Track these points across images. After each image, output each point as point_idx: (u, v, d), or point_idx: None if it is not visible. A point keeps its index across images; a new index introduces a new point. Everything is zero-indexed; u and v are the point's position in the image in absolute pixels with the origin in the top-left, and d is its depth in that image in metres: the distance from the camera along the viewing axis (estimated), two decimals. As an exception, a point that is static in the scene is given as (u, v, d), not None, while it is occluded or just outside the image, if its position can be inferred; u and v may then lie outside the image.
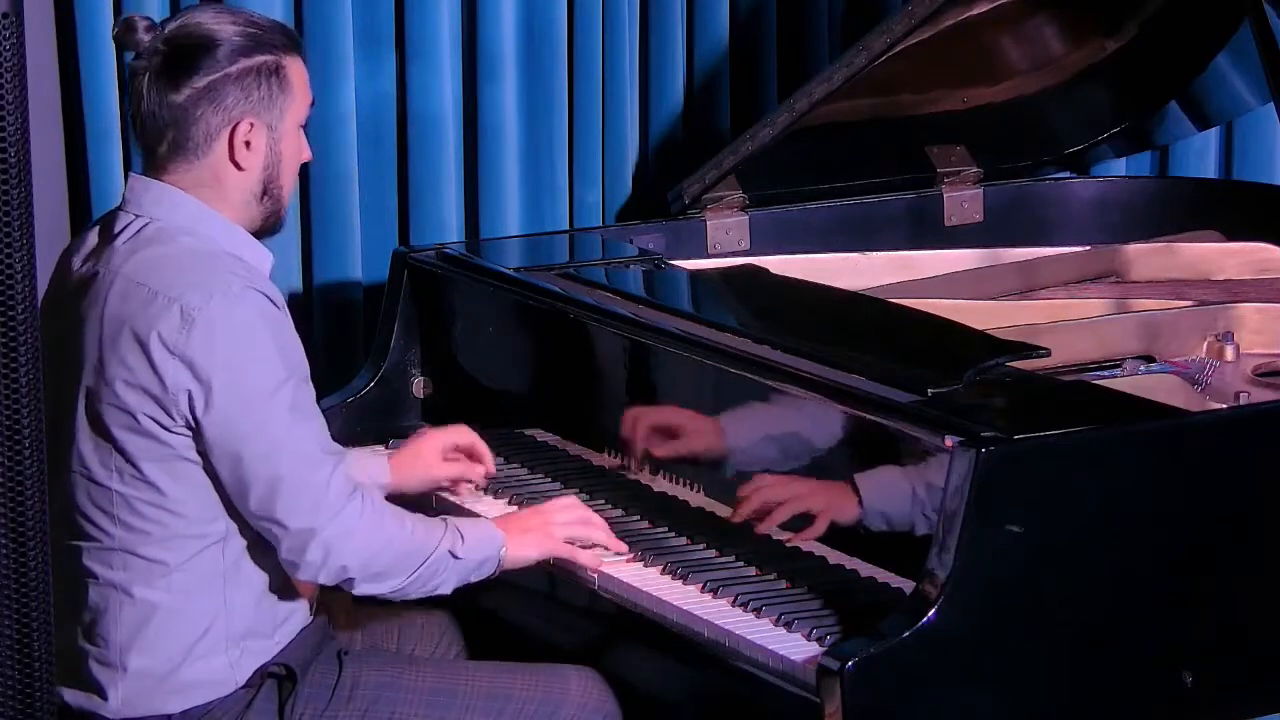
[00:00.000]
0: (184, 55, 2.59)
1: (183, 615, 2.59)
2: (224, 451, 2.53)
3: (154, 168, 2.64)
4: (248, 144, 2.61)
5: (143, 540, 2.57)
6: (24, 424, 2.08)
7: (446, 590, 2.68)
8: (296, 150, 2.68)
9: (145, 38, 2.59)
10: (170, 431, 2.54)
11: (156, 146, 2.62)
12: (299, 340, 2.62)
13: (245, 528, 2.59)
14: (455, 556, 2.66)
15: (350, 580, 2.60)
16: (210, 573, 2.59)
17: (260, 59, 2.61)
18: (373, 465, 2.94)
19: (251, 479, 2.53)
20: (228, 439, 2.53)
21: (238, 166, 2.62)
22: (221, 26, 2.61)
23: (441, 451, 3.01)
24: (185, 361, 2.51)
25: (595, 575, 2.78)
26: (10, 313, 2.06)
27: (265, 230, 2.69)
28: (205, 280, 2.54)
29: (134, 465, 2.55)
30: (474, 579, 2.70)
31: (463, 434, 3.02)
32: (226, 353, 2.51)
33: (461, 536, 2.67)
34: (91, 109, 3.60)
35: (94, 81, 3.60)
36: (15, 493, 2.09)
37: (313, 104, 2.70)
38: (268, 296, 2.57)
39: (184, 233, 2.60)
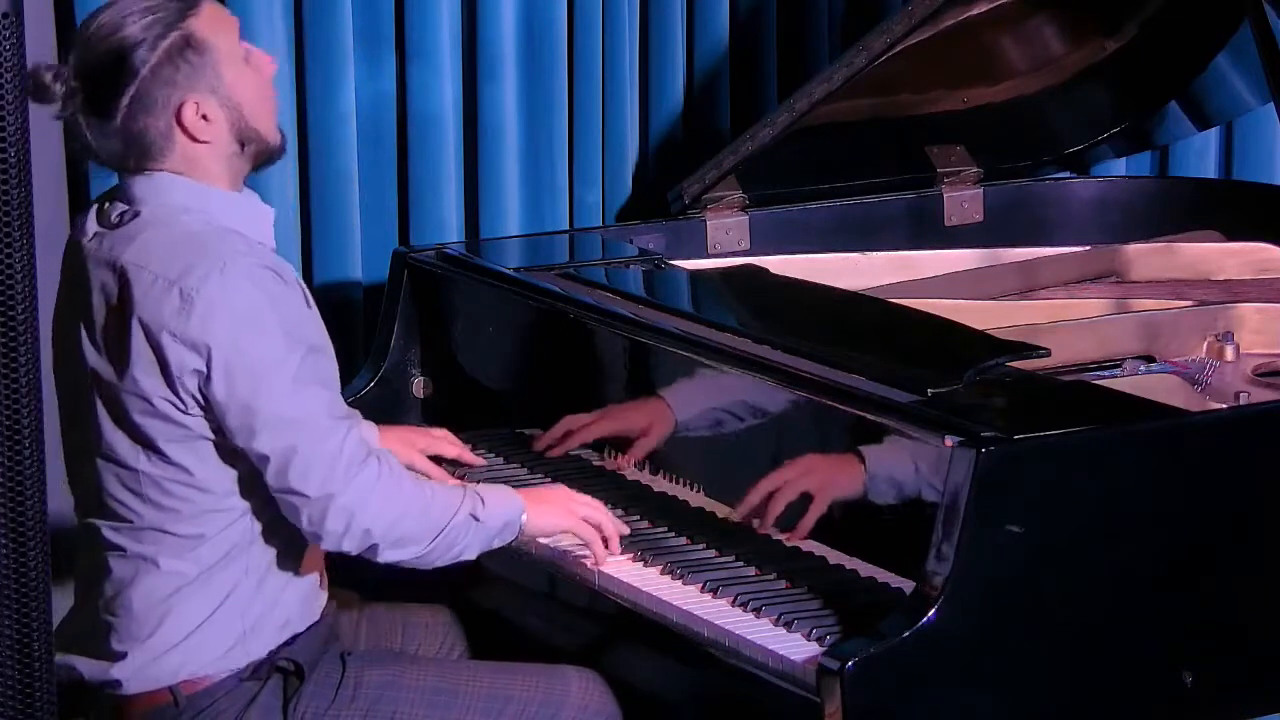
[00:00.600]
0: (100, 82, 2.55)
1: (206, 585, 2.60)
2: (237, 427, 2.54)
3: (135, 175, 2.62)
4: (204, 118, 2.59)
5: (173, 518, 2.59)
6: (24, 424, 2.09)
7: (470, 555, 2.68)
8: (253, 83, 2.63)
9: (58, 87, 2.55)
10: (186, 413, 2.55)
11: (125, 167, 2.62)
12: (311, 311, 2.61)
13: (264, 502, 2.60)
14: (476, 519, 2.66)
15: (374, 546, 2.59)
16: (237, 543, 2.61)
17: (167, 42, 2.56)
18: (364, 431, 2.95)
19: (265, 452, 2.54)
20: (237, 415, 2.53)
21: (205, 141, 2.60)
22: (123, 28, 2.55)
23: (426, 451, 3.06)
24: (187, 343, 2.52)
25: (595, 572, 2.78)
26: (10, 313, 2.06)
27: (267, 162, 2.67)
28: (202, 260, 2.54)
29: (157, 448, 2.57)
30: (496, 544, 2.70)
31: (447, 448, 3.08)
32: (225, 330, 2.52)
33: (482, 500, 2.67)
34: (91, 109, 3.60)
35: (94, 81, 3.59)
36: (15, 493, 2.09)
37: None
38: (271, 269, 2.57)
39: (182, 211, 2.60)
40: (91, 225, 2.66)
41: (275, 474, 2.55)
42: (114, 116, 2.57)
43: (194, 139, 2.59)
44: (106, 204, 2.67)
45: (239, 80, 2.62)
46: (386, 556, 2.61)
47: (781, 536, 2.78)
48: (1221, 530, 2.66)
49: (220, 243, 2.57)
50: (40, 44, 3.55)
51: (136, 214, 2.61)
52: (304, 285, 2.63)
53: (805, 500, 2.75)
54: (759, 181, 3.72)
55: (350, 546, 2.59)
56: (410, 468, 2.98)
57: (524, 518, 2.71)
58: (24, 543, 2.10)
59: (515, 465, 3.16)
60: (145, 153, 2.59)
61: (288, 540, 2.64)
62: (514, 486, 3.05)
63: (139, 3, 2.57)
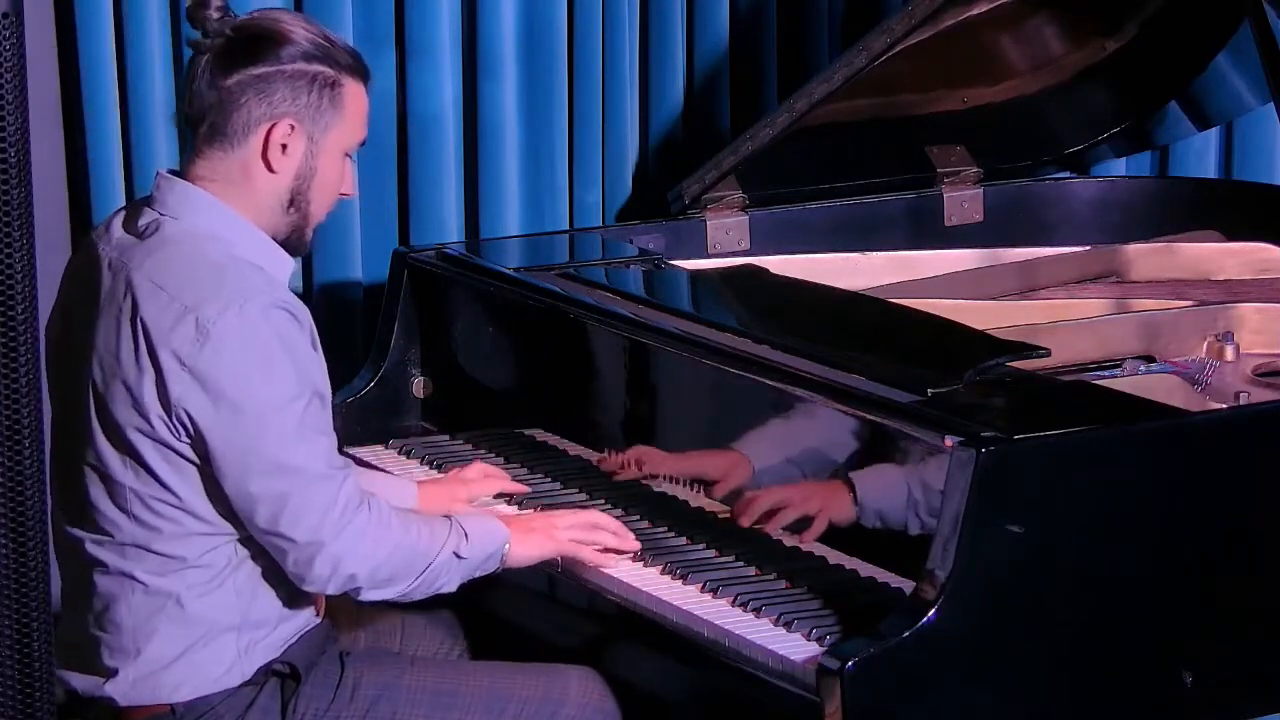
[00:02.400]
0: (246, 44, 2.58)
1: (194, 605, 2.59)
2: (233, 467, 2.52)
3: (191, 151, 2.63)
4: (284, 147, 2.59)
5: (156, 536, 2.57)
6: (24, 424, 2.08)
7: (451, 588, 2.68)
8: (335, 176, 2.65)
9: (214, 15, 2.58)
10: (177, 439, 2.53)
11: (198, 128, 2.61)
12: (317, 354, 2.60)
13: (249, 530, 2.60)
14: (460, 557, 2.66)
15: (358, 589, 2.60)
16: (223, 567, 2.60)
17: (319, 68, 2.60)
18: (401, 492, 2.92)
19: (258, 495, 2.53)
20: (234, 454, 2.52)
21: (269, 168, 2.60)
22: (294, 29, 2.60)
23: (471, 499, 2.98)
24: (195, 375, 2.50)
25: (599, 577, 2.78)
26: (10, 313, 2.06)
27: (288, 248, 2.66)
28: (223, 292, 2.52)
29: (147, 466, 2.55)
30: (478, 574, 2.70)
31: (492, 486, 3.01)
32: (235, 368, 2.50)
33: (465, 535, 2.67)
34: (91, 109, 3.60)
35: (94, 81, 3.60)
36: (15, 493, 2.09)
37: (364, 141, 2.68)
38: (288, 311, 2.55)
39: (207, 238, 2.58)
40: (116, 231, 2.64)
41: (266, 518, 2.54)
42: (231, 76, 2.57)
43: (264, 155, 2.59)
44: (136, 210, 2.65)
45: (330, 159, 2.63)
46: (369, 596, 2.62)
47: (782, 537, 2.78)
48: (1221, 530, 2.66)
49: (241, 277, 2.55)
50: (40, 44, 3.55)
51: (162, 227, 2.59)
52: (314, 328, 2.61)
53: (803, 522, 2.75)
54: (759, 181, 3.71)
55: (335, 589, 2.60)
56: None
57: (507, 548, 2.71)
58: (24, 543, 2.10)
59: (515, 465, 3.16)
60: (222, 128, 2.59)
61: (276, 567, 2.62)
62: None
63: (325, 30, 2.64)
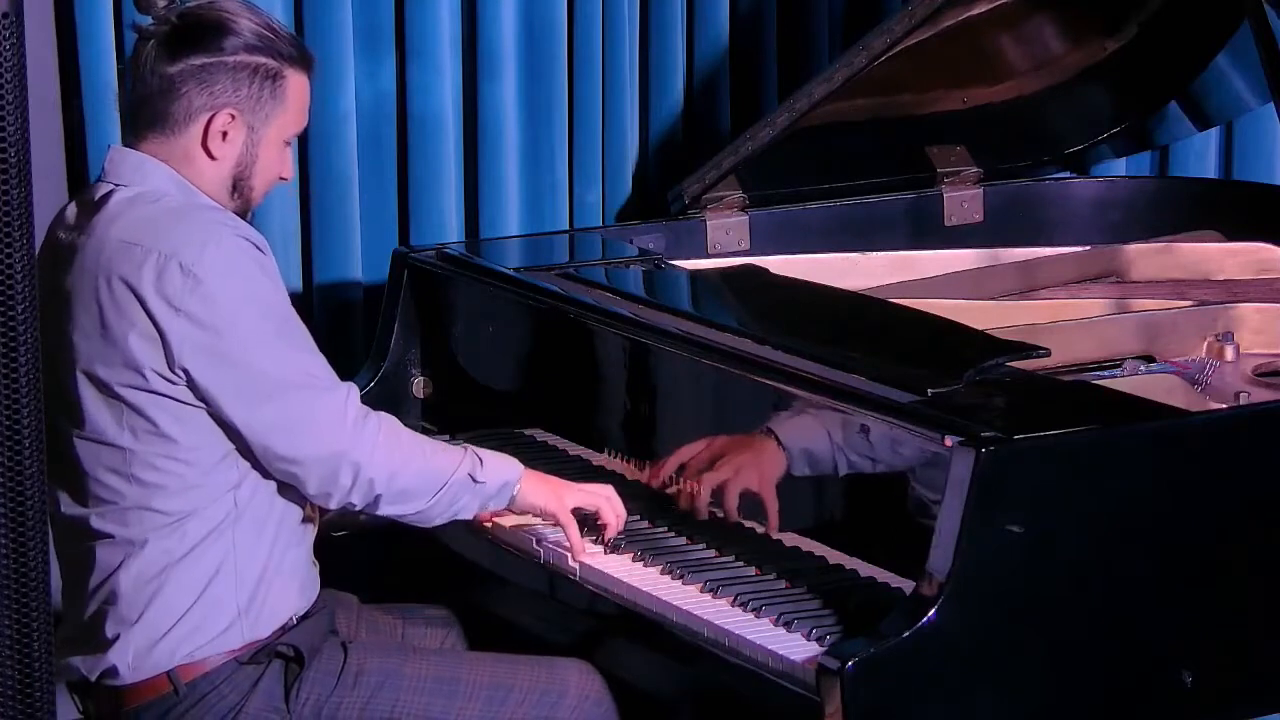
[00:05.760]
0: (191, 32, 2.62)
1: (194, 563, 2.62)
2: (238, 401, 2.56)
3: (131, 135, 2.67)
4: (224, 135, 2.64)
5: (158, 494, 2.60)
6: (24, 424, 2.09)
7: (468, 514, 2.74)
8: (275, 162, 2.71)
9: (161, 1, 2.62)
10: (174, 384, 2.57)
11: (139, 113, 2.66)
12: (283, 282, 2.67)
13: (247, 477, 2.63)
14: (475, 480, 2.71)
15: (378, 498, 2.64)
16: (221, 520, 2.63)
17: (262, 60, 2.64)
18: None
19: (271, 421, 2.58)
20: (240, 385, 2.56)
21: (210, 155, 2.65)
22: (238, 19, 2.64)
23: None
24: (189, 316, 2.54)
25: (577, 565, 2.79)
26: (10, 313, 2.06)
27: None
28: (195, 233, 2.57)
29: (148, 419, 2.58)
30: (492, 506, 2.75)
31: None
32: (229, 302, 2.55)
33: (480, 462, 2.72)
34: (91, 110, 3.60)
35: (94, 82, 3.60)
36: (15, 493, 2.09)
37: (306, 127, 2.73)
38: (251, 240, 2.61)
39: (163, 195, 2.63)
40: (70, 213, 2.69)
41: (284, 443, 2.59)
42: (174, 64, 2.61)
43: (204, 143, 2.63)
44: (88, 190, 2.69)
45: (270, 148, 2.68)
46: (389, 510, 2.66)
47: (780, 536, 2.78)
48: (1222, 530, 2.66)
49: (204, 216, 2.61)
50: (40, 44, 3.55)
51: (119, 195, 2.63)
52: (272, 255, 2.66)
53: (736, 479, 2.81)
54: (759, 181, 3.72)
55: (358, 499, 2.64)
56: None
57: (519, 486, 2.75)
58: (24, 542, 2.11)
59: (515, 465, 3.16)
60: (163, 115, 2.63)
61: (275, 518, 2.66)
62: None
63: (270, 20, 2.68)
